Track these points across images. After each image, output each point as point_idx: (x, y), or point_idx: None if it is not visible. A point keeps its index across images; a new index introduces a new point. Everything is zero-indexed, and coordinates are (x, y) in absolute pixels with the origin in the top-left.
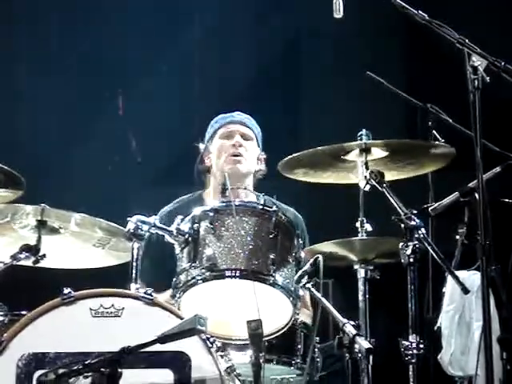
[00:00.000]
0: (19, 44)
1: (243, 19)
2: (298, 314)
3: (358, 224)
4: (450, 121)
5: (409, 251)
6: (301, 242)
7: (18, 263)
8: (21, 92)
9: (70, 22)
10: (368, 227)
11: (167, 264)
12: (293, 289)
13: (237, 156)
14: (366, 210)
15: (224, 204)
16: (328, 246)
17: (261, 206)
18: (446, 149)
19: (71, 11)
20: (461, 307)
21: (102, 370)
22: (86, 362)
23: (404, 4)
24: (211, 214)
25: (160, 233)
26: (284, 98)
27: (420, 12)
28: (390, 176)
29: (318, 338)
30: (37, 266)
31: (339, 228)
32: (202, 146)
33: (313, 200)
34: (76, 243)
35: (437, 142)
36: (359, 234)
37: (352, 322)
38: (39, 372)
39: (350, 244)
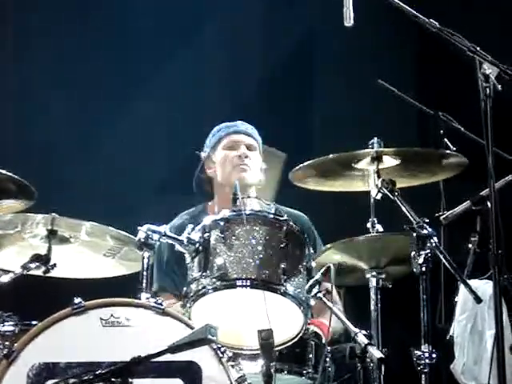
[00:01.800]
0: (34, 55)
1: (254, 26)
2: (308, 324)
3: (369, 224)
4: (462, 129)
5: (421, 260)
6: (312, 251)
7: (28, 273)
8: (33, 103)
9: (80, 32)
10: (379, 228)
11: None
12: (304, 298)
13: (243, 166)
14: (376, 217)
15: (235, 213)
16: (334, 252)
17: (272, 215)
18: (458, 158)
19: (81, 19)
20: (473, 316)
21: (113, 379)
22: (97, 372)
23: (415, 13)
24: (222, 223)
25: (170, 242)
26: (295, 106)
27: (431, 20)
28: (401, 184)
29: (329, 348)
30: (47, 275)
31: (349, 233)
32: (203, 155)
33: (323, 208)
34: (86, 253)
35: (448, 152)
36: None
37: (364, 332)
38: (50, 382)
39: (357, 246)
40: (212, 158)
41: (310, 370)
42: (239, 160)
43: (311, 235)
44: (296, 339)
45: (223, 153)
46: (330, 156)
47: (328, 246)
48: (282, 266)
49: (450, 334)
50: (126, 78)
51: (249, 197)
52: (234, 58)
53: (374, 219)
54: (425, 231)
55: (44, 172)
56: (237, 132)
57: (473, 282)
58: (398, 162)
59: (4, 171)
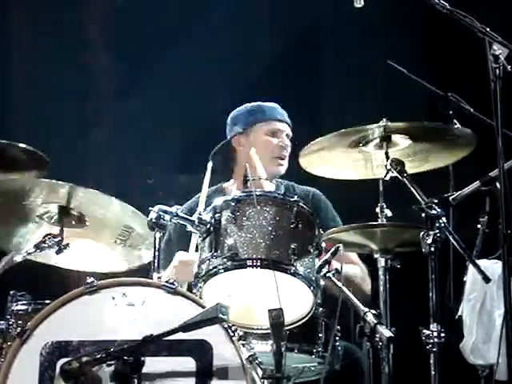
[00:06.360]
0: (45, 33)
1: (265, 4)
2: (318, 304)
3: (377, 209)
4: (471, 110)
5: (430, 240)
6: (321, 231)
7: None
8: (44, 75)
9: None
10: (388, 213)
11: None
12: (314, 278)
13: (282, 159)
14: (386, 197)
15: (245, 194)
16: (348, 234)
17: (282, 196)
18: (468, 133)
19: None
20: (482, 296)
21: (125, 358)
22: (109, 351)
23: None
24: (232, 203)
25: (182, 222)
26: (304, 87)
27: (441, 1)
28: (410, 169)
29: (339, 327)
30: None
31: (359, 215)
32: (236, 129)
33: (332, 187)
34: (98, 239)
35: (457, 126)
36: (379, 220)
37: (373, 311)
38: (62, 360)
39: (370, 232)
40: (249, 135)
41: (319, 349)
42: (280, 151)
43: (322, 206)
44: (306, 319)
45: (265, 138)
46: (340, 131)
47: (336, 228)
48: (292, 246)
49: (459, 313)
50: (135, 57)
51: (260, 178)
52: (244, 35)
53: (383, 204)
54: (434, 211)
55: (55, 149)
56: (280, 120)
57: (482, 262)
58: (407, 142)
59: (19, 144)
